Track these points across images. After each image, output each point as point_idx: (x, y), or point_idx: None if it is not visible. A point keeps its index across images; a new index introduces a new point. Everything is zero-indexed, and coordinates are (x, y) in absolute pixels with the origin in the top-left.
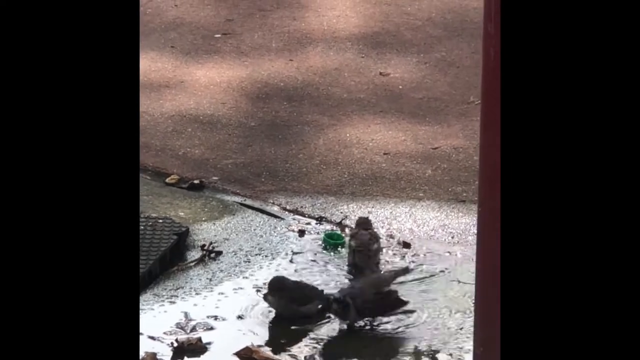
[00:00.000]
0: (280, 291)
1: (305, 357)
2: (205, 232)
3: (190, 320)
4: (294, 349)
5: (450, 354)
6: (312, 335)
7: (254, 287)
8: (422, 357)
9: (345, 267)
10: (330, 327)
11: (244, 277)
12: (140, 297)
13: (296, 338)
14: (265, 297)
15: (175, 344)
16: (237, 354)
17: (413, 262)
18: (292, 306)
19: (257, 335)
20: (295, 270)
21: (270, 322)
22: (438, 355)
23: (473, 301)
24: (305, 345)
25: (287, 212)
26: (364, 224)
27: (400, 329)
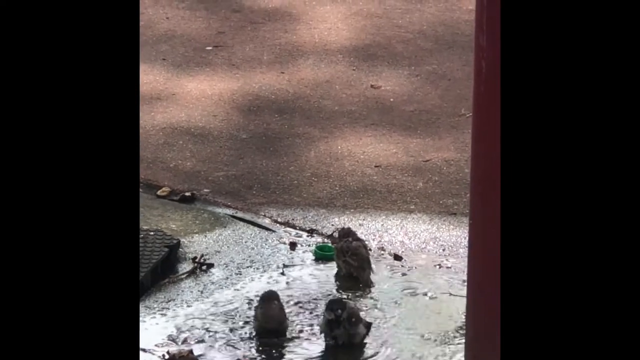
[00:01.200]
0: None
1: None
2: (196, 244)
3: (182, 332)
4: None
5: None
6: (302, 349)
7: (245, 300)
8: None
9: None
10: (320, 342)
11: (235, 290)
12: None
13: (287, 351)
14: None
15: (167, 356)
16: None
17: (404, 274)
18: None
19: (249, 347)
20: (287, 283)
21: (260, 335)
22: None
23: (464, 313)
24: (298, 358)
25: (278, 225)
26: (351, 234)
27: (391, 342)
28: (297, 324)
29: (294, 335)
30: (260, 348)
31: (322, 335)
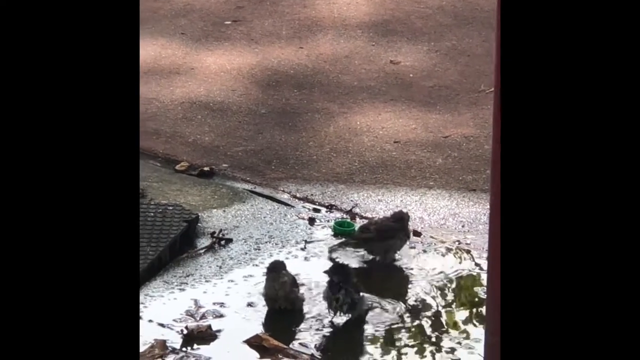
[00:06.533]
0: (283, 271)
1: (315, 346)
2: (215, 219)
3: (200, 307)
4: (304, 337)
5: (460, 343)
6: (321, 323)
7: (264, 275)
8: (432, 345)
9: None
10: (339, 316)
11: (254, 265)
12: (150, 284)
13: (306, 326)
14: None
15: (185, 331)
16: (247, 341)
17: (424, 251)
18: (293, 289)
19: (267, 322)
20: (305, 258)
21: (279, 310)
22: (448, 345)
23: (484, 290)
24: (315, 334)
25: (297, 200)
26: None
27: (408, 318)
28: (314, 300)
29: (310, 310)
30: (279, 323)
31: (326, 301)
